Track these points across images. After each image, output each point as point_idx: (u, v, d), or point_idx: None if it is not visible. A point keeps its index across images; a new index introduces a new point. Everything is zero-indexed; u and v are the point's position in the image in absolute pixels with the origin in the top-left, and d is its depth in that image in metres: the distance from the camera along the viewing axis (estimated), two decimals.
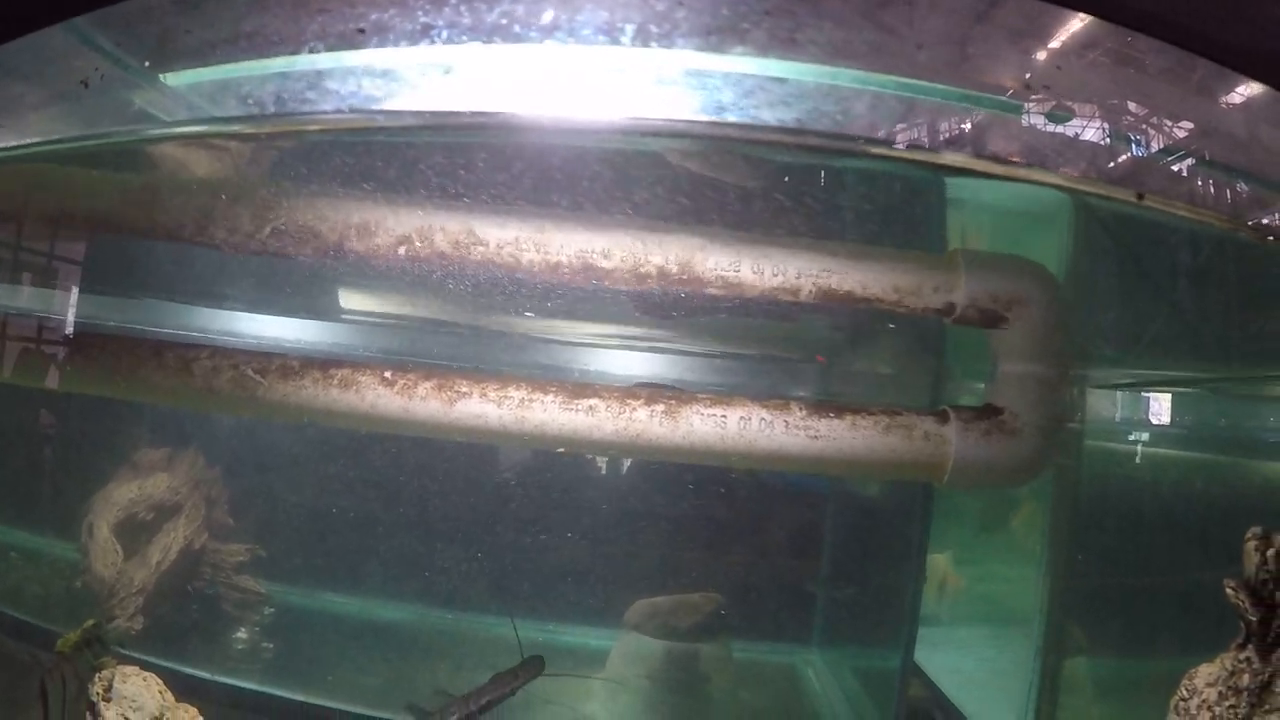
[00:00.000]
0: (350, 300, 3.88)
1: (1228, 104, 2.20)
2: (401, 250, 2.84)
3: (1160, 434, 3.45)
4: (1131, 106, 2.30)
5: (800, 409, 2.97)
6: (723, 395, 3.00)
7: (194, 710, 2.36)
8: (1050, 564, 3.43)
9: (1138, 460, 3.43)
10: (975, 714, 3.67)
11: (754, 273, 2.90)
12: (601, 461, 4.14)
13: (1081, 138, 2.26)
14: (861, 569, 4.25)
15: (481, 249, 2.86)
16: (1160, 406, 3.35)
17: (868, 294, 2.94)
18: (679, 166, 3.18)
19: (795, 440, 2.96)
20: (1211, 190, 2.45)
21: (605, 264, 2.88)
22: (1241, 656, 2.05)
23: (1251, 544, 2.02)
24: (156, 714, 2.20)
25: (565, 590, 4.12)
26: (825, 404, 2.99)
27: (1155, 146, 2.36)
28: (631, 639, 3.76)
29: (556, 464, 4.10)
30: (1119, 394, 3.37)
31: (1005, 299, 2.97)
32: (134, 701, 2.22)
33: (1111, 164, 2.40)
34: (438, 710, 3.09)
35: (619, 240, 2.87)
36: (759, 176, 3.24)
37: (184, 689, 2.50)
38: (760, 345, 3.75)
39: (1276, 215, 2.49)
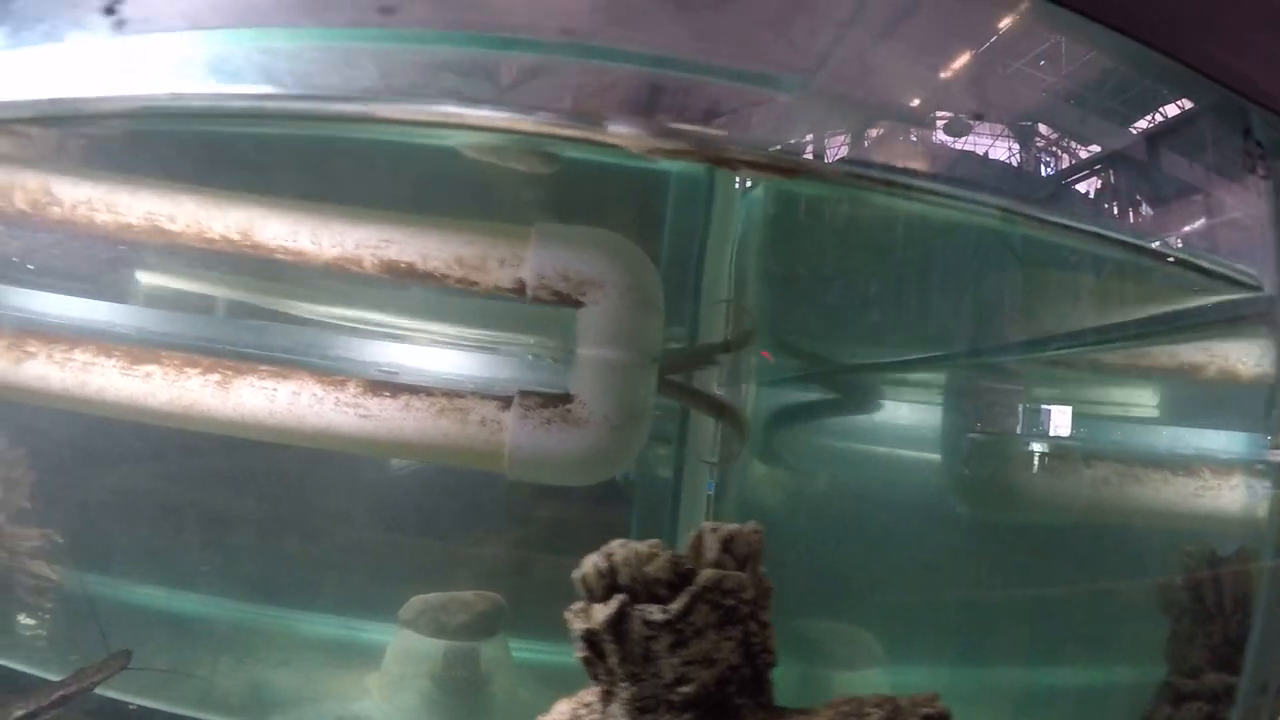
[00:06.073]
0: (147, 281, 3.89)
1: None
2: None
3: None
4: None
5: (356, 386, 2.77)
6: (286, 367, 2.84)
7: None
8: None
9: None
10: None
11: (312, 243, 2.77)
12: None
13: None
14: None
15: (57, 209, 2.88)
16: None
17: (429, 267, 2.74)
18: (473, 160, 3.13)
19: (344, 418, 2.76)
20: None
21: (171, 227, 2.84)
22: (586, 700, 1.65)
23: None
24: None
25: (364, 586, 3.94)
26: (384, 383, 2.77)
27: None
28: (406, 636, 3.56)
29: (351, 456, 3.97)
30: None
31: (578, 279, 2.70)
32: None
33: None
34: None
35: (183, 205, 2.83)
36: (550, 165, 3.17)
37: None
38: None
39: None
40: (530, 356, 3.78)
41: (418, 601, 3.63)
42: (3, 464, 3.89)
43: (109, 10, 1.50)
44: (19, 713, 2.84)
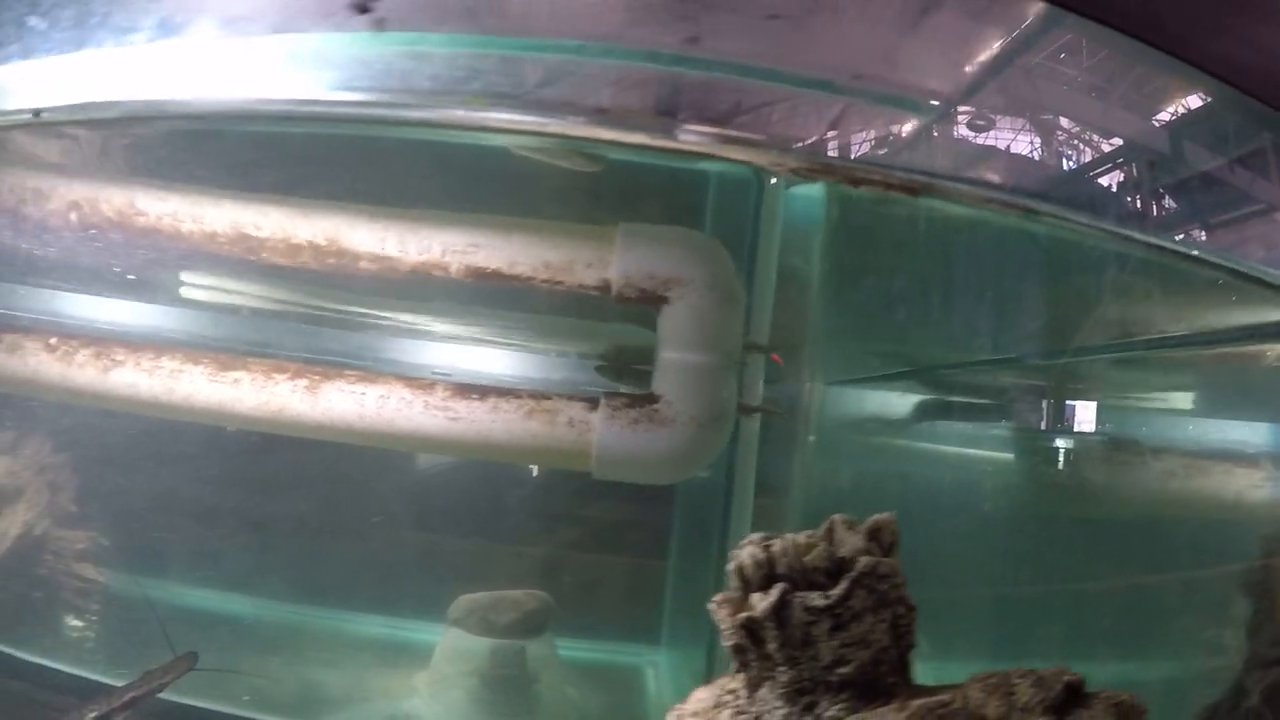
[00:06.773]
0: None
1: None
2: (73, 216, 2.95)
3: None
4: None
5: (444, 389, 2.84)
6: (372, 372, 2.90)
7: None
8: None
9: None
10: None
11: (399, 250, 2.84)
12: None
13: None
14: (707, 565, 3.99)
15: (143, 219, 2.94)
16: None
17: (516, 272, 2.81)
18: (521, 158, 3.18)
19: (434, 421, 2.83)
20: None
21: (258, 234, 2.90)
22: (730, 687, 1.70)
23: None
24: None
25: (412, 586, 3.97)
26: (471, 385, 2.84)
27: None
28: (455, 635, 3.66)
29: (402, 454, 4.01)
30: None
31: (663, 278, 2.78)
32: None
33: None
34: (74, 709, 2.99)
35: (268, 214, 2.89)
36: (595, 164, 3.23)
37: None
38: None
39: None
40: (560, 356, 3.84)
41: (466, 601, 3.70)
42: (48, 468, 3.93)
43: (362, 9, 1.50)
44: (92, 715, 2.89)
